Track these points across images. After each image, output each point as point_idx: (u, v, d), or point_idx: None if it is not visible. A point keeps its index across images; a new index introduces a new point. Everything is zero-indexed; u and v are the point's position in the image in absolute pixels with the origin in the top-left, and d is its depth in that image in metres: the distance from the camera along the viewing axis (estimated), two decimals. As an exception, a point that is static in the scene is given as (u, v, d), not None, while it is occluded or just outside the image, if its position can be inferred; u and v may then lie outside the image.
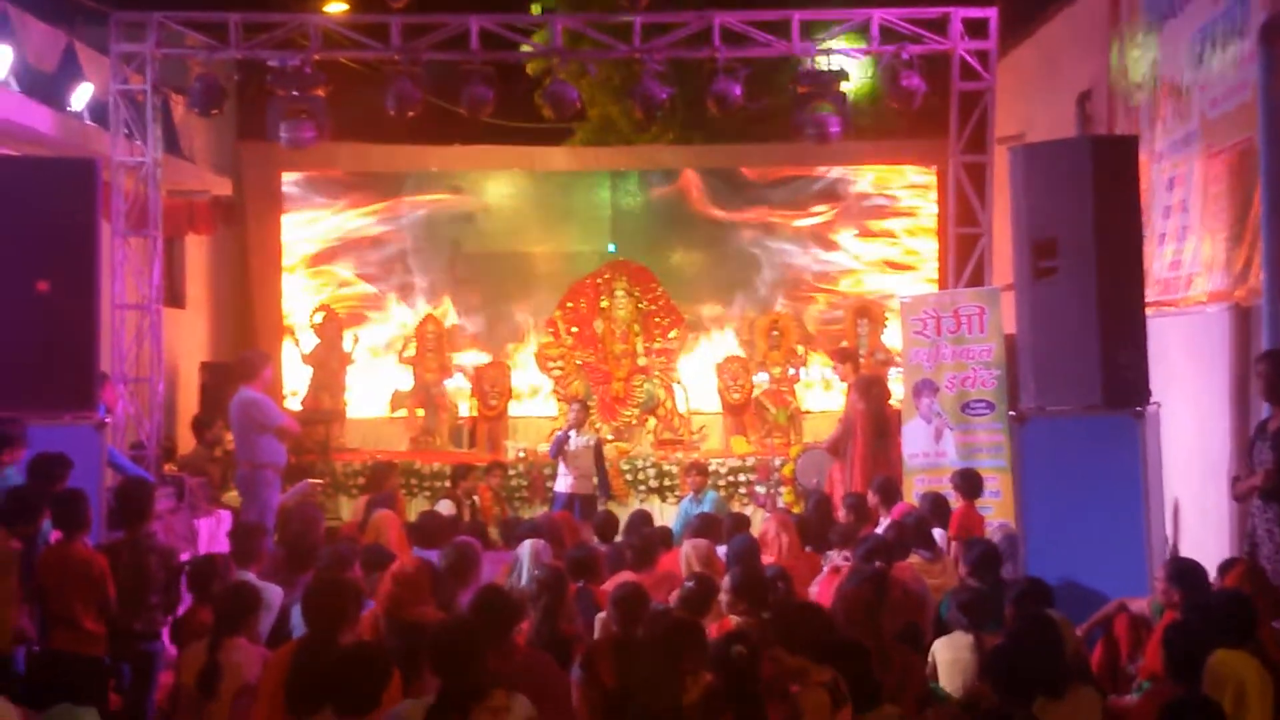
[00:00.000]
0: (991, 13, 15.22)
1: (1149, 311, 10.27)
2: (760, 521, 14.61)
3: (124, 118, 15.08)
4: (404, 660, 6.67)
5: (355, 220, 19.87)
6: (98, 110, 15.07)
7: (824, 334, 19.34)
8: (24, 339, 10.34)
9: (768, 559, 10.27)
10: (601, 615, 8.39)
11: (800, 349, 18.18)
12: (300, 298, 19.55)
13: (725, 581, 8.12)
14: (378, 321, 19.68)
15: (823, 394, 18.97)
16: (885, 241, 19.94)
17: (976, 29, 15.19)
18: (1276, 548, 8.42)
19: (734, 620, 7.73)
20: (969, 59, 15.15)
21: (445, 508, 13.18)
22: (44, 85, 14.19)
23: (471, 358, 19.06)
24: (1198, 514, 11.35)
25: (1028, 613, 7.39)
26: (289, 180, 19.74)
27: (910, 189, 19.92)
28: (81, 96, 14.77)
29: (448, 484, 15.04)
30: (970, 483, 11.91)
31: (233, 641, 7.51)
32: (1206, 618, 6.74)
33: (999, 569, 8.90)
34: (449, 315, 19.23)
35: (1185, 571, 7.84)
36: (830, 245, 19.90)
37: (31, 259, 10.43)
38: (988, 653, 7.00)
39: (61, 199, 10.59)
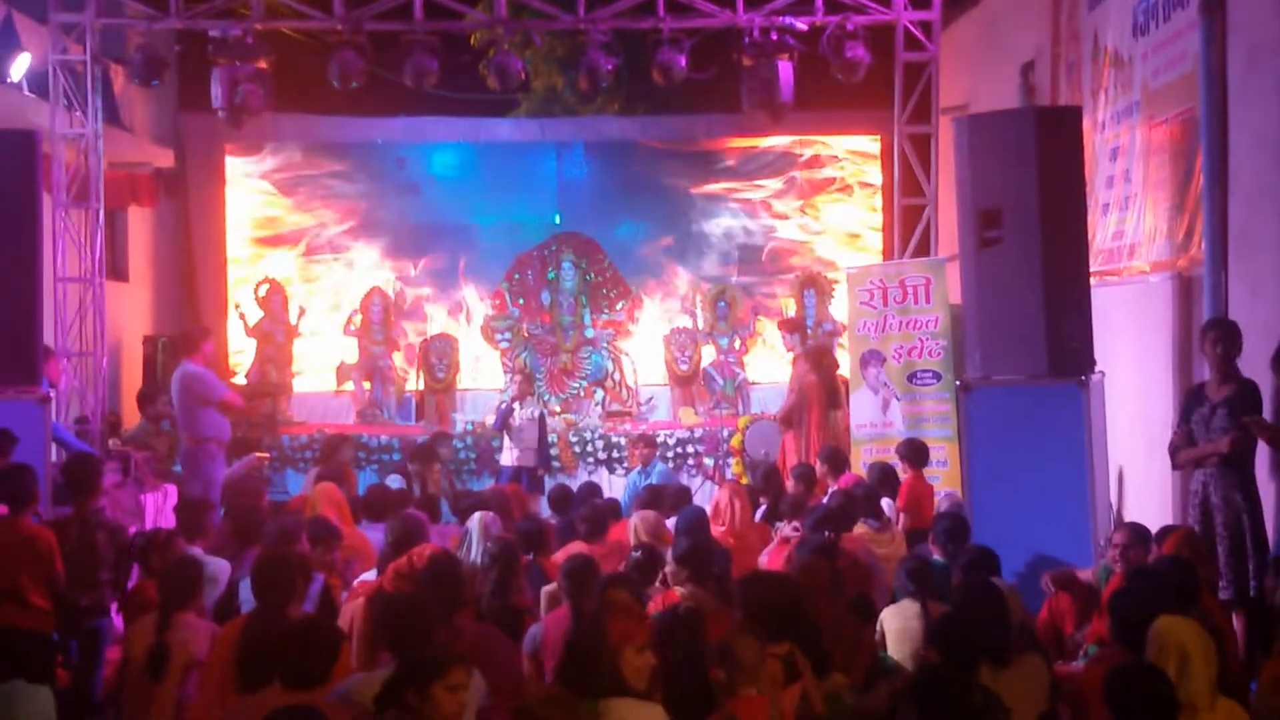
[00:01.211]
0: (935, -17, 15.26)
1: (1093, 281, 10.36)
2: (710, 493, 14.78)
3: (63, 88, 14.91)
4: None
5: (299, 191, 19.72)
6: (37, 81, 14.90)
7: (771, 304, 19.38)
8: (-36, 314, 10.24)
9: (720, 529, 10.34)
10: (548, 588, 8.41)
11: (748, 321, 18.21)
12: (244, 269, 19.39)
13: (670, 552, 8.16)
14: (323, 294, 19.55)
15: (770, 365, 19.00)
16: (831, 212, 19.95)
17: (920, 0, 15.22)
18: (1235, 514, 8.50)
19: (679, 592, 7.77)
20: (913, 29, 15.19)
21: (395, 482, 13.16)
22: (-19, 56, 14.05)
23: (418, 329, 18.97)
24: (1140, 481, 11.47)
25: (974, 581, 7.45)
26: (231, 151, 19.55)
27: (856, 159, 19.95)
28: (20, 67, 14.61)
29: (397, 458, 15.01)
30: (916, 452, 11.99)
31: (180, 617, 7.48)
32: (1151, 584, 6.83)
33: (967, 542, 8.94)
34: (394, 287, 19.12)
35: (1144, 534, 7.98)
36: (776, 215, 19.91)
37: (-30, 233, 10.32)
38: (934, 620, 7.06)
39: (1, 171, 10.47)
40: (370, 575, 8.79)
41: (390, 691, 5.52)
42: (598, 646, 5.83)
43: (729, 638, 6.00)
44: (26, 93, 14.73)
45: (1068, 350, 9.79)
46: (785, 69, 14.93)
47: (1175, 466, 9.34)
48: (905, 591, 7.87)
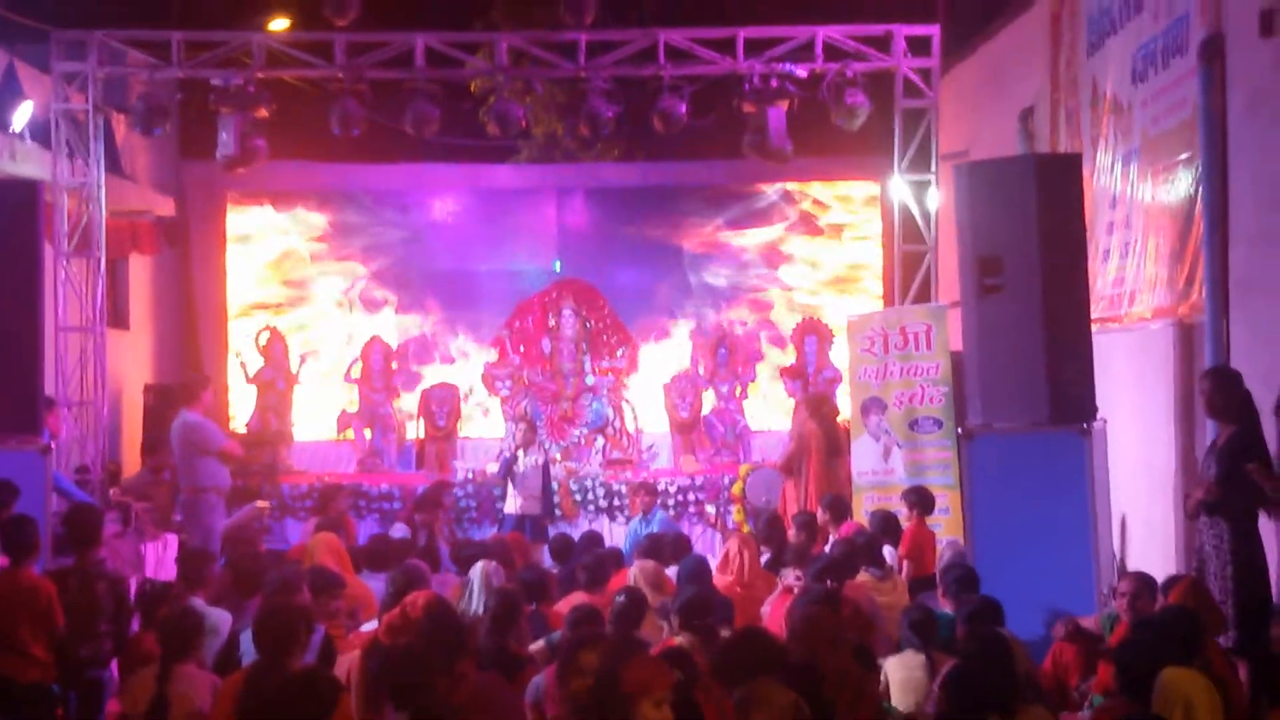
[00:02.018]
0: (934, 30, 15.32)
1: (1094, 328, 10.35)
2: (712, 541, 14.75)
3: (65, 137, 14.98)
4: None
5: (300, 240, 19.76)
6: (39, 129, 14.93)
7: (772, 352, 19.39)
8: (-34, 363, 10.22)
9: (728, 578, 10.31)
10: (536, 645, 8.37)
11: (749, 368, 18.19)
12: (246, 319, 19.40)
13: (672, 602, 8.13)
14: (324, 342, 19.55)
15: (771, 412, 18.98)
16: (832, 259, 19.98)
17: (919, 46, 15.28)
18: (1224, 563, 8.48)
19: (678, 640, 7.74)
20: (912, 76, 15.24)
21: (399, 531, 13.14)
22: (-16, 105, 14.07)
23: (419, 378, 18.96)
24: (1143, 529, 11.45)
25: (980, 632, 7.41)
26: (232, 199, 19.60)
27: (856, 206, 19.99)
28: (22, 116, 14.62)
29: (398, 505, 14.97)
30: (923, 499, 11.96)
31: (181, 669, 7.44)
32: (1155, 634, 6.80)
33: (977, 590, 8.89)
34: (395, 335, 19.13)
35: (1150, 583, 7.96)
36: (777, 262, 19.94)
37: (-28, 282, 10.32)
38: (942, 674, 7.03)
39: (3, 220, 10.50)
40: (372, 625, 8.75)
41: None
42: (615, 697, 5.78)
43: (755, 688, 5.95)
44: (29, 142, 14.74)
45: (1069, 397, 9.78)
46: (784, 116, 14.97)
47: (1186, 516, 9.32)
48: (909, 643, 7.83)
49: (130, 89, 16.27)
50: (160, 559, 12.18)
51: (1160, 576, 8.47)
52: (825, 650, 7.07)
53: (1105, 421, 10.09)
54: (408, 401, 18.24)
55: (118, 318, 17.62)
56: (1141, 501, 11.39)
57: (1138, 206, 11.70)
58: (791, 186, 19.85)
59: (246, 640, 7.95)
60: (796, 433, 14.27)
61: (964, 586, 8.99)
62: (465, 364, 19.47)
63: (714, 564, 10.78)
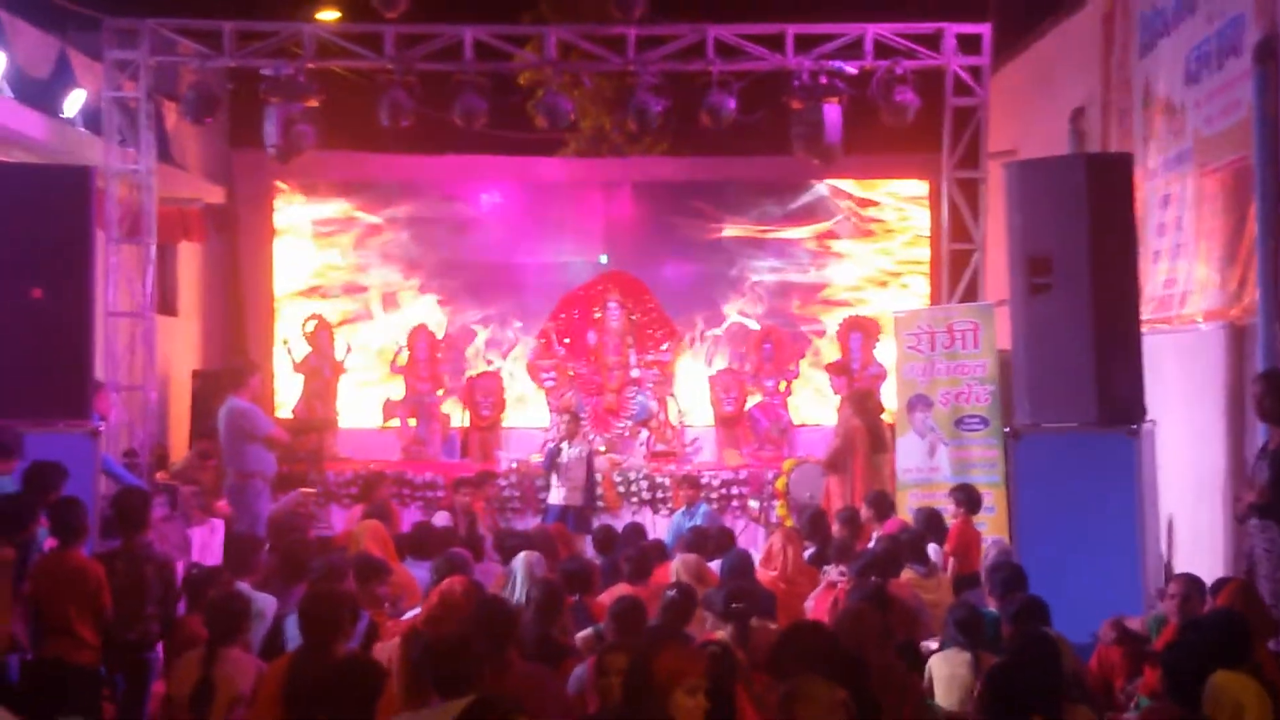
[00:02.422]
0: (985, 29, 15.29)
1: (1143, 329, 10.29)
2: (755, 536, 14.73)
3: (117, 125, 15.11)
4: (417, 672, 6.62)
5: (348, 229, 19.83)
6: (91, 117, 15.06)
7: (818, 348, 19.36)
8: (19, 346, 10.29)
9: (772, 573, 10.31)
10: (583, 633, 8.39)
11: (793, 365, 18.16)
12: (293, 306, 19.50)
13: (715, 594, 8.14)
14: (371, 331, 19.62)
15: (815, 408, 18.96)
16: (879, 256, 19.93)
17: (970, 45, 15.25)
18: (1275, 566, 8.42)
19: (719, 636, 7.75)
20: (962, 74, 15.21)
21: (441, 519, 13.17)
22: (37, 92, 14.18)
23: (464, 367, 19.00)
24: (1191, 532, 11.37)
25: (1026, 631, 7.38)
26: (281, 187, 19.69)
27: (904, 203, 19.93)
28: (74, 103, 14.77)
29: (441, 494, 15.02)
30: (971, 498, 11.91)
31: (226, 652, 7.47)
32: (1204, 637, 6.74)
33: (1022, 592, 8.85)
34: (442, 325, 19.20)
35: (1200, 585, 7.90)
36: (824, 259, 19.90)
37: (26, 266, 10.38)
38: (986, 671, 7.00)
39: (56, 206, 10.55)
40: (415, 613, 8.78)
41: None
42: (647, 687, 5.79)
43: (800, 684, 5.93)
44: (81, 129, 14.88)
45: (1118, 398, 9.72)
46: (834, 112, 14.95)
47: (1235, 519, 9.27)
48: (955, 642, 7.80)
49: (181, 77, 16.38)
50: (206, 543, 12.24)
51: (1209, 579, 8.41)
52: (870, 647, 7.05)
53: (1154, 423, 10.03)
54: (453, 391, 18.30)
55: (167, 304, 17.74)
56: (1190, 504, 11.32)
57: (1190, 208, 11.62)
58: (839, 183, 19.80)
59: (291, 625, 7.98)
60: (842, 429, 14.24)
61: (1010, 586, 8.94)
62: (511, 355, 19.48)
63: (757, 559, 10.77)
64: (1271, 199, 9.96)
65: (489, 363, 19.27)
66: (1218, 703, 5.84)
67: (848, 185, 19.88)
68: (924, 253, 19.69)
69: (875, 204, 19.98)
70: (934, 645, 8.37)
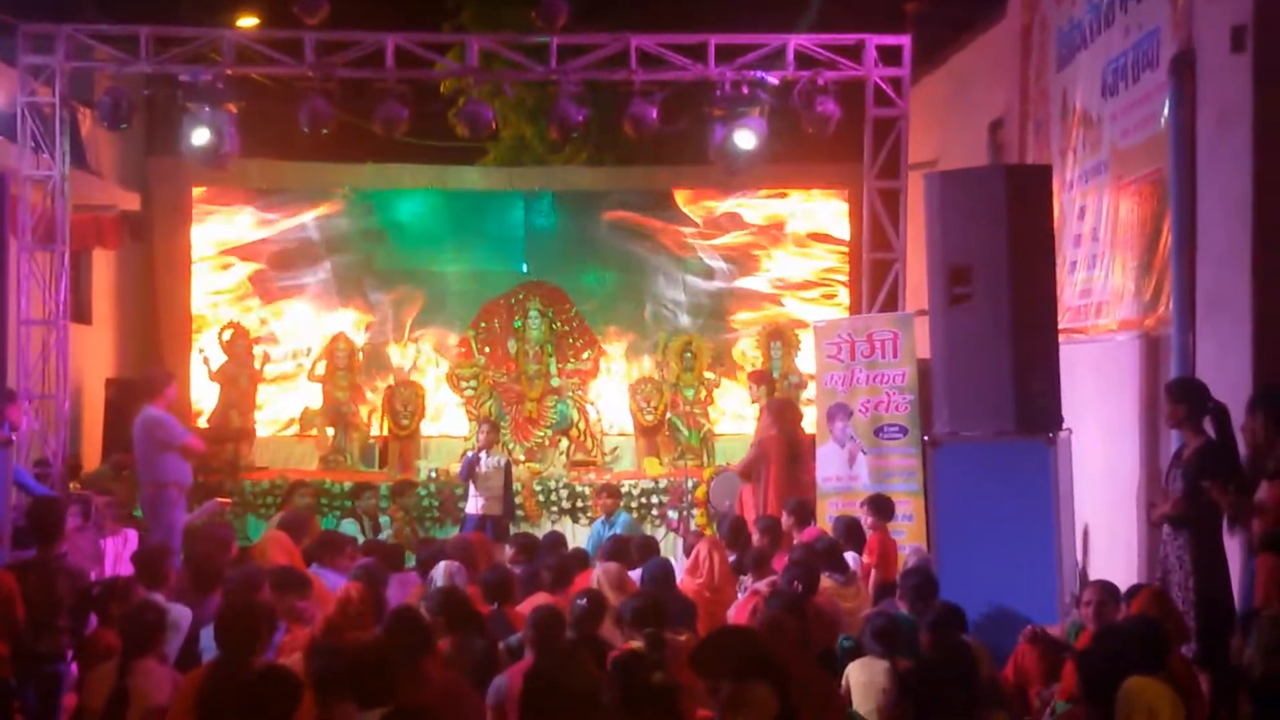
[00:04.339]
0: (905, 40, 15.38)
1: (1060, 339, 10.38)
2: (672, 544, 14.73)
3: (31, 131, 14.86)
4: (326, 683, 6.56)
5: (265, 237, 19.62)
6: (4, 122, 14.86)
7: (737, 356, 19.40)
8: (-73, 354, 10.14)
9: (697, 581, 10.32)
10: (502, 644, 8.36)
11: (710, 374, 18.17)
12: (208, 314, 19.30)
13: (628, 604, 8.14)
14: (287, 339, 19.44)
15: (734, 417, 18.99)
16: (799, 265, 19.97)
17: (890, 56, 15.32)
18: (1187, 575, 8.53)
19: (633, 645, 7.74)
20: (883, 86, 15.27)
21: (350, 527, 13.11)
22: (-50, 97, 13.99)
23: (383, 376, 18.89)
24: (1107, 539, 11.49)
25: (943, 639, 7.42)
26: (198, 196, 19.47)
27: (824, 213, 19.99)
28: (-11, 108, 14.57)
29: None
30: (881, 507, 11.98)
31: (141, 664, 7.41)
32: (1120, 643, 6.81)
33: (935, 599, 8.91)
34: (360, 333, 19.07)
35: (1114, 592, 7.98)
36: (744, 268, 19.88)
37: (-64, 273, 10.24)
38: (902, 677, 7.04)
39: (-32, 212, 10.40)
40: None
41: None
42: (559, 697, 5.78)
43: (746, 688, 5.93)
44: (-6, 134, 14.69)
45: (1035, 407, 9.80)
46: (755, 122, 14.97)
47: (1150, 524, 9.37)
48: (872, 649, 7.84)
49: (97, 83, 16.18)
50: (120, 554, 12.08)
51: (1123, 586, 8.50)
52: (791, 655, 7.06)
53: (1070, 432, 10.12)
54: (371, 400, 18.20)
55: (80, 312, 17.52)
56: (1105, 511, 11.44)
57: (1106, 219, 11.75)
58: (761, 193, 19.82)
59: (207, 636, 7.91)
60: (757, 438, 14.27)
61: (922, 592, 9.02)
62: (430, 364, 19.37)
63: (677, 568, 10.77)
64: (1186, 211, 10.09)
65: (408, 371, 19.14)
66: (1132, 708, 5.91)
67: (768, 195, 19.90)
68: (844, 262, 19.75)
69: (796, 214, 20.01)
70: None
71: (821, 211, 19.97)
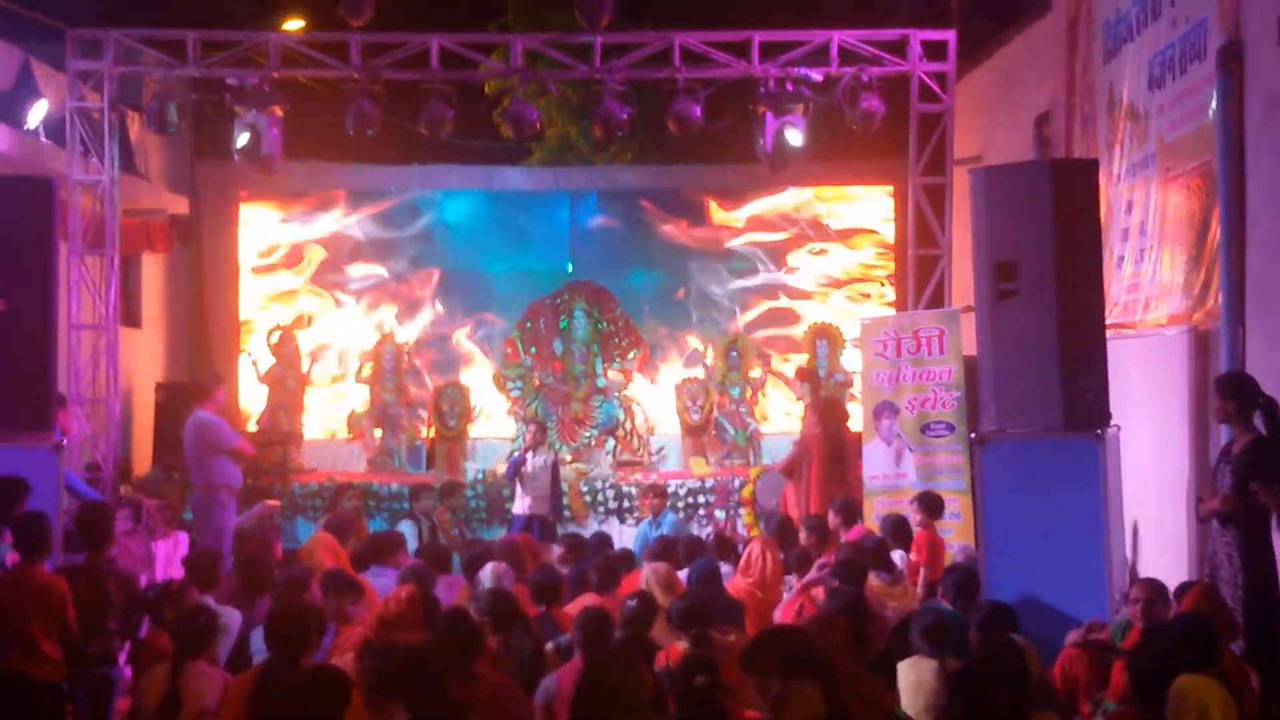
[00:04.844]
0: (950, 35, 15.31)
1: (1108, 334, 10.32)
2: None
3: (80, 135, 14.97)
4: (377, 684, 6.60)
5: (312, 239, 19.74)
6: (53, 128, 14.96)
7: (783, 355, 19.38)
8: (-21, 359, 10.22)
9: (749, 581, 10.32)
10: (551, 645, 8.38)
11: (758, 371, 18.17)
12: (257, 317, 19.42)
13: (675, 605, 8.15)
14: (335, 342, 19.54)
15: (781, 415, 18.98)
16: (844, 262, 19.93)
17: (935, 51, 15.26)
18: (1235, 571, 8.47)
19: (681, 648, 7.76)
20: (927, 81, 15.22)
21: (407, 529, 13.16)
22: (-1, 103, 14.10)
23: (430, 377, 18.96)
24: (1156, 536, 11.41)
25: (992, 638, 7.39)
26: (245, 199, 19.60)
27: (869, 210, 19.94)
28: (37, 114, 14.67)
29: (407, 506, 15.00)
30: (930, 503, 11.95)
31: (193, 666, 7.47)
32: (1170, 641, 6.76)
33: (977, 594, 8.89)
34: (406, 335, 19.15)
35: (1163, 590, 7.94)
36: (789, 266, 19.88)
37: (-12, 278, 10.32)
38: (951, 677, 7.00)
39: (19, 217, 10.48)
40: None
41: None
42: (610, 698, 5.79)
43: (791, 689, 5.94)
44: (43, 139, 14.79)
45: (1083, 403, 9.75)
46: (799, 120, 14.94)
47: (1198, 520, 9.31)
48: (920, 648, 7.80)
49: (145, 88, 16.29)
50: (171, 557, 12.19)
51: (1172, 583, 8.45)
52: (840, 655, 7.04)
53: (1119, 428, 10.06)
54: (418, 401, 18.27)
55: (130, 316, 17.64)
56: (1154, 508, 11.36)
57: (1154, 213, 11.67)
58: (806, 190, 19.80)
59: (258, 638, 7.97)
60: (801, 436, 14.27)
61: (963, 590, 8.99)
62: (476, 364, 19.43)
63: (724, 567, 10.76)
64: (1234, 203, 10.01)
65: (455, 372, 19.20)
66: (1183, 706, 5.86)
67: (814, 192, 19.87)
68: (890, 259, 19.70)
69: (841, 211, 19.98)
70: None
71: (866, 208, 19.93)
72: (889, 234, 19.69)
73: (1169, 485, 11.05)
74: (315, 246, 19.71)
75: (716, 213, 20.01)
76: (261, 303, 19.55)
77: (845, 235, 19.93)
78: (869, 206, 19.95)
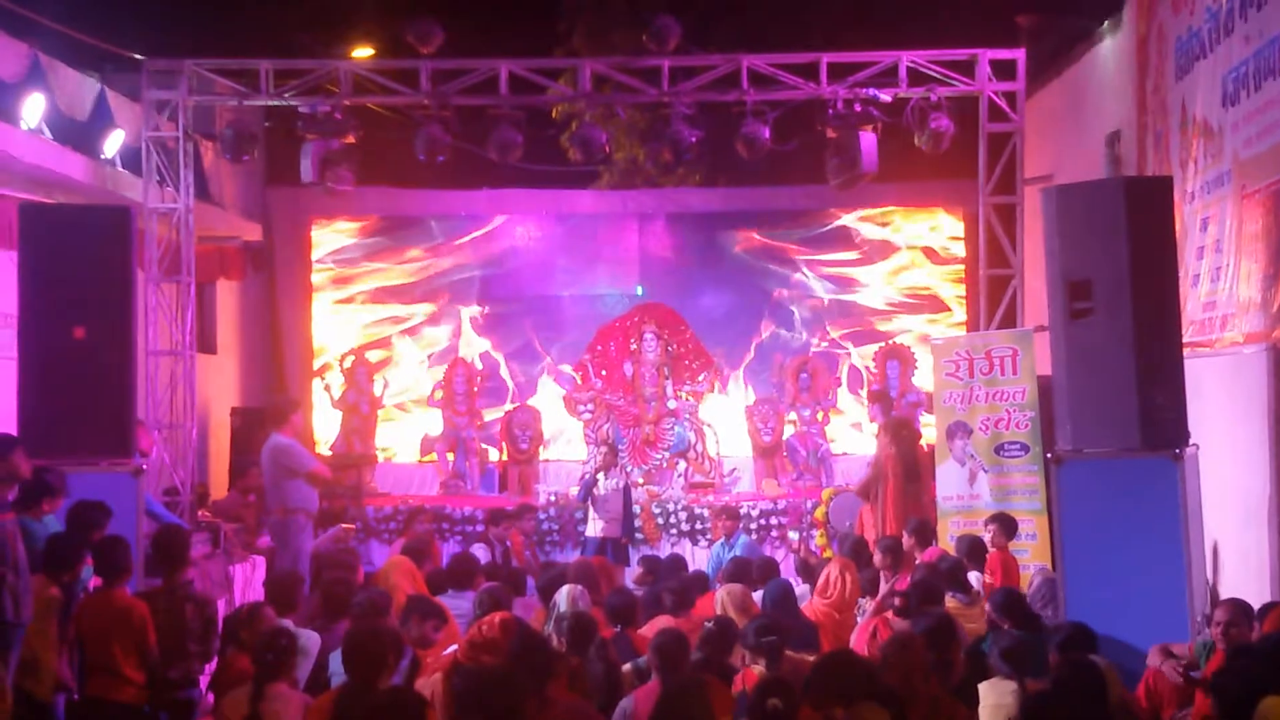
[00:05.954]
0: (1019, 54, 15.26)
1: (1184, 352, 10.23)
2: (791, 566, 14.68)
3: (156, 164, 15.18)
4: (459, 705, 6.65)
5: (384, 265, 19.91)
6: (129, 157, 15.15)
7: (855, 376, 19.34)
8: (62, 386, 10.34)
9: (826, 602, 10.31)
10: (626, 666, 8.38)
11: (831, 392, 18.15)
12: (330, 342, 19.59)
13: (750, 626, 8.14)
14: (408, 366, 19.68)
15: (854, 436, 18.94)
16: (915, 283, 19.89)
17: (1004, 71, 15.21)
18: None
19: (756, 670, 7.75)
20: (997, 100, 15.17)
21: (480, 552, 13.20)
22: (76, 132, 14.27)
23: (501, 401, 19.05)
24: (1237, 557, 11.27)
25: (1072, 659, 7.33)
26: (317, 223, 19.79)
27: (941, 230, 19.89)
28: (114, 143, 14.86)
29: (480, 528, 15.06)
30: (1005, 524, 11.89)
31: (274, 689, 7.52)
32: (1254, 662, 6.69)
33: (1024, 611, 8.83)
34: (478, 359, 19.25)
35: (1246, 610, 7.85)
36: (860, 286, 19.86)
37: (68, 306, 10.44)
38: (1029, 699, 6.95)
39: (98, 246, 10.60)
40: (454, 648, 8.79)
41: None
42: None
43: (859, 711, 5.94)
44: (120, 169, 14.98)
45: (1160, 422, 9.65)
46: (869, 140, 14.92)
47: None
48: (1001, 671, 7.76)
49: (219, 116, 16.49)
50: (249, 580, 12.31)
51: (1255, 604, 8.34)
52: (917, 676, 7.02)
53: (1197, 447, 9.96)
54: (490, 425, 18.36)
55: (206, 342, 17.83)
56: (1234, 528, 11.23)
57: (1230, 230, 11.56)
58: (875, 211, 19.78)
59: (336, 661, 8.02)
60: (875, 458, 14.23)
61: (1005, 611, 8.97)
62: (547, 388, 19.50)
63: (798, 590, 10.75)
64: (1312, 220, 9.92)
65: (526, 396, 19.28)
66: (1269, 729, 5.80)
67: (883, 213, 19.84)
68: (961, 280, 19.63)
69: (912, 231, 19.94)
70: None
71: (936, 228, 19.87)
72: (960, 254, 19.61)
73: (1250, 505, 10.92)
74: (385, 271, 19.86)
75: (785, 234, 20.01)
76: (333, 327, 19.71)
77: (916, 255, 19.87)
78: (939, 227, 19.89)
